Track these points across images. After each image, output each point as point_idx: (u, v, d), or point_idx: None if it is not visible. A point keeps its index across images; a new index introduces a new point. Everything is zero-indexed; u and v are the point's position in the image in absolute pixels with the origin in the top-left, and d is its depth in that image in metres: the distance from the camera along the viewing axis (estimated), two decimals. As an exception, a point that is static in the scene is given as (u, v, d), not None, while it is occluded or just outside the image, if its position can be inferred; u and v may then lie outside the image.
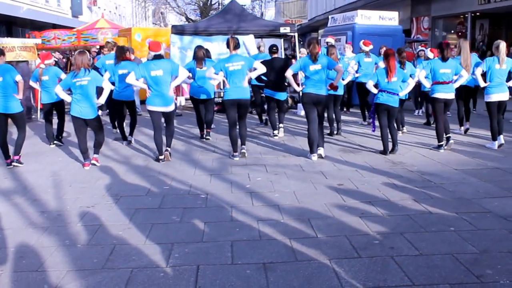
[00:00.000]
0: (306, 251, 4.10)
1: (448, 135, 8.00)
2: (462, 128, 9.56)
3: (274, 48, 9.51)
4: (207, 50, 9.53)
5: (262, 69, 7.69)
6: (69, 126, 8.70)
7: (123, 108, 9.01)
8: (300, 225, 4.71)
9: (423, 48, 11.83)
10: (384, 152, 7.69)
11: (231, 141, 7.64)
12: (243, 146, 7.67)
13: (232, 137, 7.59)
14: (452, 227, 4.60)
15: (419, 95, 11.63)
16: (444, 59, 7.70)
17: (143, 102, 9.07)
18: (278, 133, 9.30)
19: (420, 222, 4.73)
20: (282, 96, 9.27)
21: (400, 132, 9.16)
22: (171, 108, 7.42)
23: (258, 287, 3.51)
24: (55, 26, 22.54)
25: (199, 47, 9.05)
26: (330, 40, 12.62)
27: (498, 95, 7.91)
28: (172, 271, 3.79)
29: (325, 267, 3.80)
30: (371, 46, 10.58)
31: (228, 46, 7.49)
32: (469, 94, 9.79)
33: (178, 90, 13.50)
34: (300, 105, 11.90)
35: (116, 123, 9.44)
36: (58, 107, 8.75)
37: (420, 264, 3.82)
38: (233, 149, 7.61)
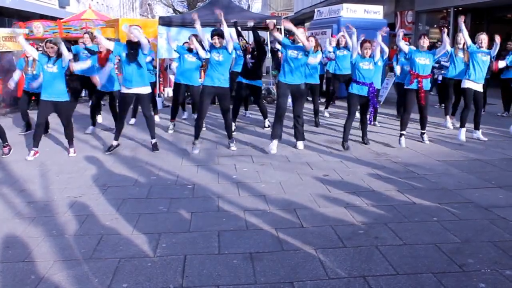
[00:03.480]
0: (292, 241, 4.16)
1: (423, 132, 8.18)
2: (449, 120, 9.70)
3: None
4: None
5: None
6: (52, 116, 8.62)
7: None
8: (286, 215, 4.77)
9: (406, 43, 11.87)
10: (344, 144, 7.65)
11: (197, 129, 7.59)
12: (231, 139, 7.71)
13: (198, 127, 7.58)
14: (435, 217, 4.70)
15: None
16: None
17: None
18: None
19: (403, 213, 4.82)
20: (260, 83, 9.28)
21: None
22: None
23: (245, 276, 3.56)
24: (42, 17, 22.20)
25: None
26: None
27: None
28: (159, 261, 3.81)
29: (310, 257, 3.86)
30: None
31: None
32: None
33: (165, 81, 13.49)
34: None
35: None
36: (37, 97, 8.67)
37: (404, 254, 3.90)
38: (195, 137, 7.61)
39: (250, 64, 8.98)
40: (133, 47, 7.12)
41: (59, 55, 6.87)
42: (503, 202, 5.14)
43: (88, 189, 5.65)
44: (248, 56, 8.98)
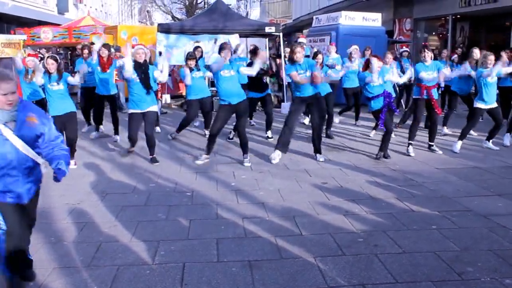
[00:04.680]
0: (291, 249, 4.16)
1: (431, 144, 8.00)
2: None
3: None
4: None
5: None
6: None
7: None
8: (285, 223, 4.77)
9: (407, 49, 11.92)
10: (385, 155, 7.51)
11: (212, 145, 7.33)
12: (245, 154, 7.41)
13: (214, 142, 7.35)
14: (434, 225, 4.70)
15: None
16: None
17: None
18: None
19: (403, 220, 4.82)
20: (270, 90, 9.13)
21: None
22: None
23: (243, 284, 3.56)
24: (41, 23, 22.27)
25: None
26: (302, 40, 12.69)
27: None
28: (158, 268, 3.81)
29: (310, 265, 3.86)
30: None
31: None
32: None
33: (163, 88, 13.50)
34: (284, 104, 11.96)
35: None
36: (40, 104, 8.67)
37: (403, 262, 3.90)
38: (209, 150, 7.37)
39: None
40: (143, 70, 7.08)
41: (59, 71, 6.91)
42: (502, 210, 5.14)
43: (87, 196, 5.64)
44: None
